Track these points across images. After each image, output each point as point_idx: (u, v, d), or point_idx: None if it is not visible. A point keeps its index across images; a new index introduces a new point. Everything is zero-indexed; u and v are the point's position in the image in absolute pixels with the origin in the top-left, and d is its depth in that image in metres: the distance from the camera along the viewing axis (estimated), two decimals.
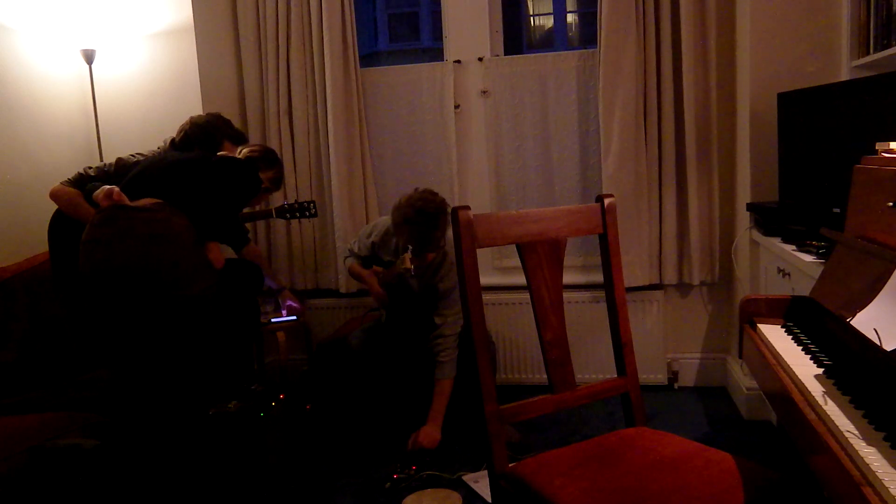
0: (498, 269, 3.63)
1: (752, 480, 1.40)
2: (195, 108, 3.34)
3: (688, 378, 3.50)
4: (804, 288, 1.97)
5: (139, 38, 3.46)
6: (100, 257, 2.33)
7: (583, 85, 3.46)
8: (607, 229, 1.77)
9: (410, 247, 2.77)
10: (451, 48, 3.59)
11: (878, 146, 1.65)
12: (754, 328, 1.69)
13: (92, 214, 2.44)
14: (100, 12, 3.40)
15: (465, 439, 2.96)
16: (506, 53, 3.62)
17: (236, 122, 3.13)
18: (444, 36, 3.63)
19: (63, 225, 2.71)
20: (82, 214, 2.55)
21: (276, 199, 3.59)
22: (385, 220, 3.03)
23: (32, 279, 2.87)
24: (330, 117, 3.47)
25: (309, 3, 3.46)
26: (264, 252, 3.76)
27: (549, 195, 3.56)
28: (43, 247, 2.89)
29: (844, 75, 2.69)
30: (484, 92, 3.55)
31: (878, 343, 1.18)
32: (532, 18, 20.46)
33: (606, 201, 1.77)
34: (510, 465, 1.58)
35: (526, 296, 1.72)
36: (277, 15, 3.52)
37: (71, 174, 2.72)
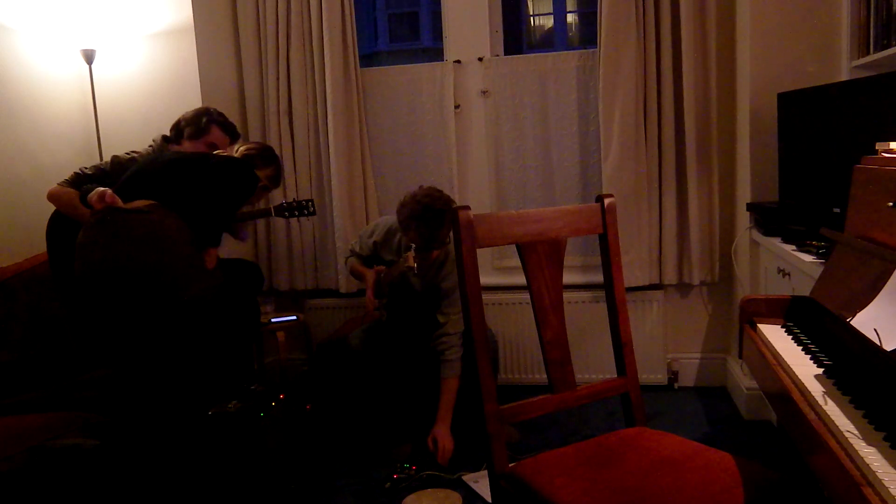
0: (498, 269, 3.63)
1: (752, 480, 1.40)
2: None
3: (688, 378, 3.50)
4: (804, 288, 1.97)
5: (139, 38, 3.46)
6: (93, 260, 2.33)
7: (583, 85, 3.46)
8: (607, 229, 1.77)
9: (414, 245, 2.77)
10: (451, 48, 3.59)
11: (878, 146, 1.65)
12: (754, 328, 1.69)
13: (87, 213, 2.44)
14: (100, 12, 3.40)
15: (465, 439, 2.95)
16: (506, 53, 3.62)
17: (236, 122, 3.13)
18: (444, 36, 3.63)
19: (61, 226, 2.71)
20: (80, 215, 2.55)
21: (275, 198, 3.59)
22: (387, 220, 3.03)
23: (32, 279, 2.87)
24: (330, 117, 3.47)
25: (309, 3, 3.47)
26: (264, 251, 3.76)
27: (549, 195, 3.55)
28: (43, 246, 2.89)
29: (844, 75, 2.69)
30: (484, 92, 3.55)
31: (878, 343, 1.18)
32: (532, 18, 20.47)
33: (606, 201, 1.77)
34: (510, 465, 1.58)
35: (526, 296, 1.72)
36: (277, 15, 3.52)
37: (70, 174, 2.73)
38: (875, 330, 1.21)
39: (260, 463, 2.68)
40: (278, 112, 3.59)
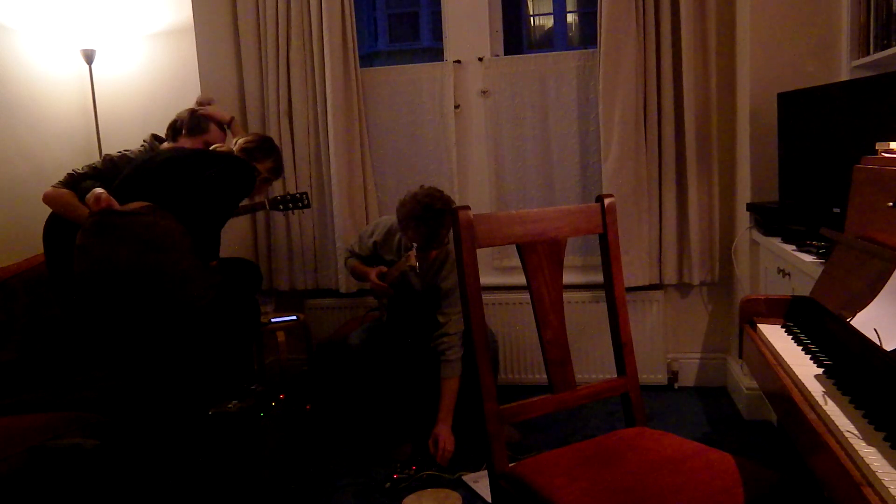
0: (498, 269, 3.63)
1: (752, 480, 1.40)
2: None
3: (688, 378, 3.50)
4: (804, 288, 1.97)
5: (139, 38, 3.46)
6: (91, 262, 2.34)
7: (583, 85, 3.46)
8: (607, 229, 1.77)
9: (415, 244, 2.77)
10: (451, 48, 3.59)
11: (878, 146, 1.65)
12: (754, 328, 1.68)
13: (85, 215, 2.43)
14: (100, 12, 3.40)
15: (466, 439, 2.95)
16: (506, 53, 3.62)
17: None
18: (444, 36, 3.63)
19: (58, 227, 2.70)
20: (76, 216, 2.55)
21: (271, 192, 3.58)
22: (386, 220, 3.03)
23: (32, 279, 2.87)
24: (330, 117, 3.47)
25: (309, 3, 3.47)
26: (264, 251, 3.76)
27: (549, 195, 3.55)
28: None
29: (844, 75, 2.69)
30: (484, 92, 3.55)
31: (878, 343, 1.18)
32: (532, 18, 20.48)
33: (606, 201, 1.77)
34: (510, 465, 1.58)
35: (526, 296, 1.72)
36: (277, 15, 3.52)
37: (65, 175, 2.72)
38: (875, 330, 1.21)
39: (260, 463, 2.68)
40: (278, 112, 3.59)
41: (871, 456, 0.98)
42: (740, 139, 3.15)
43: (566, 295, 1.82)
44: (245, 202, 3.13)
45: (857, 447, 1.01)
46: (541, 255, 1.69)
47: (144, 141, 2.94)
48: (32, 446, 2.21)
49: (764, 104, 2.85)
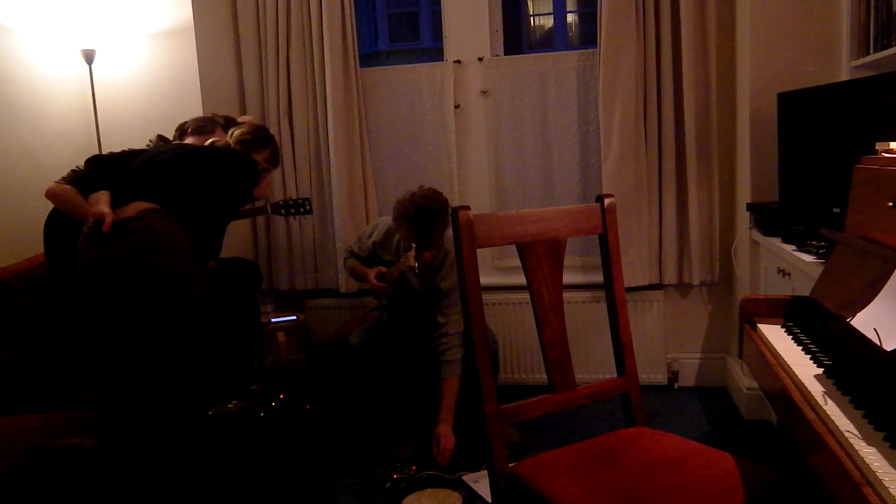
0: (498, 269, 3.63)
1: (752, 480, 1.40)
2: (195, 108, 3.34)
3: (688, 378, 3.50)
4: (804, 288, 1.97)
5: (139, 38, 3.46)
6: (89, 266, 2.36)
7: (583, 85, 3.46)
8: (607, 229, 1.77)
9: (414, 245, 2.77)
10: (451, 48, 3.59)
11: (878, 146, 1.65)
12: (754, 328, 1.69)
13: (87, 212, 2.43)
14: (100, 12, 3.40)
15: (466, 439, 2.95)
16: (506, 53, 3.62)
17: None
18: (444, 36, 3.63)
19: (59, 224, 2.70)
20: (79, 213, 2.55)
21: (276, 198, 3.59)
22: (386, 220, 3.03)
23: (32, 279, 2.87)
24: (330, 117, 3.47)
25: (309, 3, 3.46)
26: (264, 251, 3.76)
27: (549, 195, 3.55)
28: (43, 246, 2.89)
29: (844, 75, 2.69)
30: (484, 92, 3.55)
31: (878, 343, 1.18)
32: (532, 18, 20.47)
33: (606, 201, 1.77)
34: (510, 465, 1.58)
35: (526, 296, 1.72)
36: (277, 15, 3.52)
37: (68, 172, 2.73)
38: (875, 330, 1.21)
39: (260, 463, 2.68)
40: (278, 112, 3.59)
41: (871, 456, 0.98)
42: (740, 139, 3.15)
43: (566, 295, 1.82)
44: (248, 206, 3.13)
45: (857, 447, 1.01)
46: (541, 255, 1.69)
47: (150, 141, 2.94)
48: (32, 446, 2.22)
49: (764, 104, 2.85)
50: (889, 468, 0.94)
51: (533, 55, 3.61)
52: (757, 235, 2.84)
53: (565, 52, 3.50)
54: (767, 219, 2.71)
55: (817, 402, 1.19)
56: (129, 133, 3.41)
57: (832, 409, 1.15)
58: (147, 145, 2.92)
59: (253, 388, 2.81)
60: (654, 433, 1.67)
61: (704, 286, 3.42)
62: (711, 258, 3.32)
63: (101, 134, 3.39)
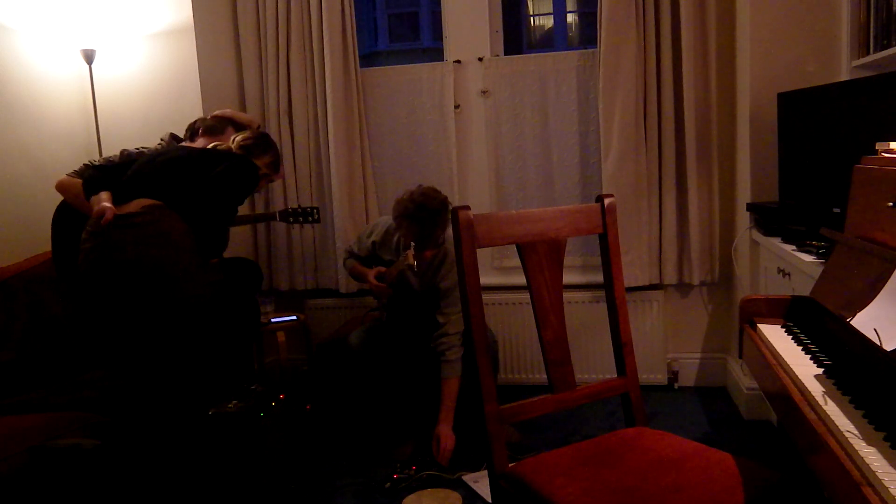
0: (498, 269, 3.63)
1: (752, 480, 1.40)
2: (195, 108, 3.34)
3: (688, 378, 3.50)
4: (804, 288, 1.97)
5: (139, 38, 3.46)
6: (90, 264, 2.36)
7: (583, 85, 3.46)
8: (607, 229, 1.77)
9: (413, 244, 2.77)
10: (451, 48, 3.59)
11: (878, 146, 1.65)
12: (754, 328, 1.68)
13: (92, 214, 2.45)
14: (100, 12, 3.40)
15: (466, 439, 2.95)
16: (506, 53, 3.62)
17: None
18: (444, 36, 3.63)
19: (68, 216, 2.73)
20: (87, 207, 2.56)
21: (279, 204, 3.60)
22: (386, 220, 3.04)
23: (32, 279, 2.87)
24: (330, 117, 3.47)
25: (309, 3, 3.46)
26: (264, 251, 3.77)
27: (549, 195, 3.55)
28: (43, 246, 2.90)
29: (844, 75, 2.69)
30: (484, 92, 3.55)
31: (878, 343, 1.18)
32: (532, 18, 20.47)
33: (606, 201, 1.77)
34: (510, 465, 1.58)
35: (526, 296, 1.72)
36: (277, 15, 3.52)
37: (80, 165, 2.74)
38: (875, 330, 1.21)
39: (260, 463, 2.68)
40: (278, 112, 3.59)
41: (871, 456, 0.98)
42: (740, 139, 3.15)
43: (566, 295, 1.82)
44: (258, 212, 3.14)
45: (857, 447, 1.01)
46: (541, 255, 1.69)
47: (162, 139, 2.95)
48: (32, 446, 2.21)
49: (764, 104, 2.85)
50: (889, 468, 0.94)
51: (533, 55, 3.61)
52: (757, 235, 2.84)
53: (565, 52, 3.50)
54: (767, 219, 2.71)
55: (817, 402, 1.19)
56: (129, 133, 3.41)
57: (832, 409, 1.15)
58: (159, 143, 2.93)
59: (253, 388, 2.81)
60: (654, 433, 1.67)
61: (704, 286, 3.42)
62: (711, 258, 3.32)
63: (101, 134, 3.39)
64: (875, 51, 2.44)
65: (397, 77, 3.64)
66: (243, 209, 3.50)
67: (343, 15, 3.45)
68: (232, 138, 2.80)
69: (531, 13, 20.33)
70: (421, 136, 3.64)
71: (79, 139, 3.49)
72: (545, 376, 1.71)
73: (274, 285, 3.74)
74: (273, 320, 3.39)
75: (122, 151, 2.80)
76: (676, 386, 3.48)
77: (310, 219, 3.28)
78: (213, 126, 2.90)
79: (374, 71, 3.70)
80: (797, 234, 2.40)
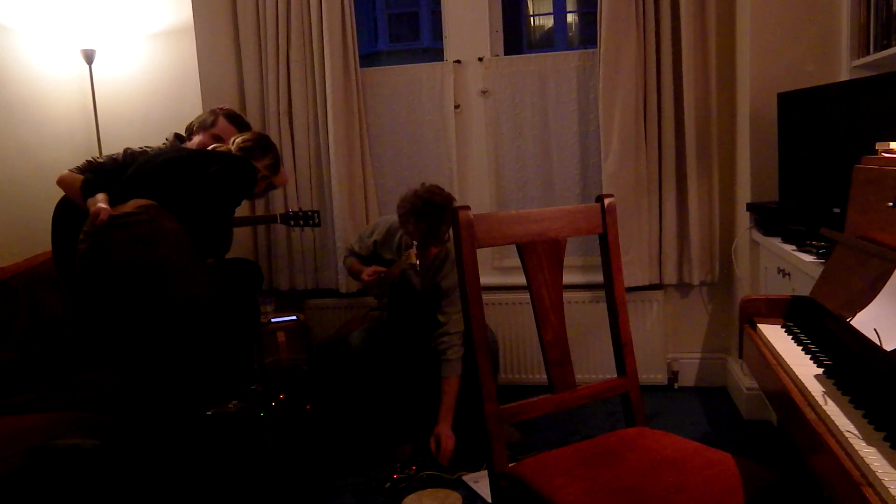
0: (498, 269, 3.63)
1: (752, 480, 1.40)
2: (195, 108, 3.34)
3: (688, 378, 3.50)
4: (804, 288, 1.97)
5: (139, 38, 3.46)
6: (88, 263, 2.37)
7: (583, 85, 3.46)
8: (607, 229, 1.77)
9: (415, 242, 2.77)
10: (451, 48, 3.59)
11: (878, 146, 1.65)
12: (754, 328, 1.69)
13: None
14: (100, 12, 3.40)
15: (466, 439, 2.95)
16: (506, 53, 3.62)
17: None
18: (444, 36, 3.63)
19: (68, 212, 2.72)
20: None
21: (280, 206, 3.59)
22: (387, 219, 3.04)
23: (32, 279, 2.87)
24: (330, 117, 3.47)
25: (309, 3, 3.46)
26: (264, 251, 3.76)
27: (549, 195, 3.55)
28: (43, 246, 2.89)
29: (844, 75, 2.69)
30: (484, 92, 3.55)
31: (878, 343, 1.18)
32: (532, 18, 20.45)
33: (606, 201, 1.77)
34: (510, 465, 1.58)
35: (526, 296, 1.72)
36: (277, 15, 3.52)
37: (83, 162, 2.74)
38: (875, 330, 1.21)
39: (260, 463, 2.68)
40: (278, 112, 3.59)
41: (871, 456, 0.98)
42: (740, 139, 3.15)
43: (566, 295, 1.82)
44: (258, 214, 3.14)
45: (857, 447, 1.01)
46: (541, 255, 1.69)
47: (166, 139, 2.95)
48: (32, 446, 2.21)
49: (764, 104, 2.85)
50: (889, 468, 0.94)
51: (533, 55, 3.61)
52: (757, 235, 2.84)
53: (565, 52, 3.50)
54: (767, 219, 2.71)
55: (817, 402, 1.19)
56: (129, 133, 3.41)
57: (832, 409, 1.15)
58: (164, 143, 2.93)
59: (253, 388, 2.81)
60: (654, 433, 1.67)
61: (704, 286, 3.42)
62: (711, 258, 3.32)
63: (101, 134, 3.39)
64: (875, 51, 2.44)
65: (397, 77, 3.64)
66: (244, 211, 3.50)
67: (343, 15, 3.45)
68: (232, 140, 2.80)
69: (531, 13, 20.31)
70: (421, 137, 3.64)
71: (79, 139, 3.49)
72: (545, 376, 1.71)
73: (274, 285, 3.74)
74: (273, 320, 3.39)
75: (126, 150, 2.80)
76: (676, 386, 3.48)
77: (311, 222, 3.29)
78: (204, 120, 2.91)
79: (374, 71, 3.70)
80: (797, 234, 2.40)
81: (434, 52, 15.20)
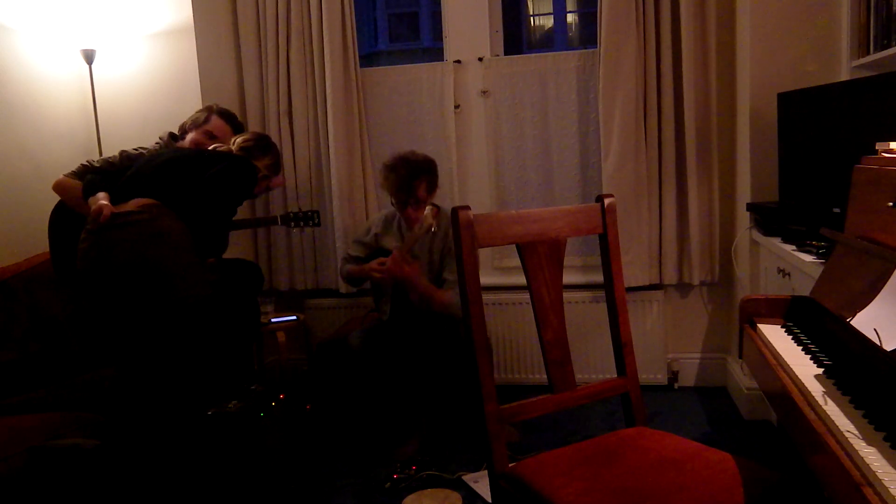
0: (498, 269, 3.63)
1: (752, 480, 1.40)
2: (195, 108, 3.32)
3: (688, 378, 3.50)
4: (804, 288, 1.97)
5: (139, 38, 3.46)
6: (89, 263, 2.38)
7: (583, 85, 3.46)
8: (607, 229, 1.77)
9: (430, 207, 2.83)
10: (451, 48, 3.59)
11: (878, 146, 1.65)
12: (754, 328, 1.68)
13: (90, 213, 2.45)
14: (100, 12, 3.40)
15: (465, 439, 2.96)
16: (506, 53, 3.62)
17: None
18: (444, 36, 3.63)
19: (64, 217, 2.72)
20: (85, 208, 2.57)
21: (279, 206, 3.59)
22: (380, 214, 3.07)
23: (32, 279, 2.87)
24: (330, 117, 3.47)
25: (309, 3, 3.46)
26: (264, 252, 3.77)
27: (549, 195, 3.55)
28: (43, 246, 2.89)
29: (844, 75, 2.69)
30: (484, 92, 3.55)
31: (878, 343, 1.18)
32: (532, 18, 20.45)
33: (606, 201, 1.77)
34: (510, 465, 1.58)
35: (526, 296, 1.72)
36: (277, 15, 3.52)
37: (78, 166, 2.74)
38: (875, 330, 1.21)
39: (260, 463, 2.68)
40: (278, 112, 3.59)
41: (871, 456, 0.98)
42: (740, 139, 3.15)
43: (566, 295, 1.82)
44: (258, 215, 3.13)
45: (857, 447, 1.01)
46: (541, 255, 1.69)
47: (160, 138, 2.95)
48: (32, 446, 2.22)
49: (764, 104, 2.85)
50: (889, 468, 0.94)
51: (533, 55, 3.61)
52: (757, 235, 2.84)
53: (565, 52, 3.50)
54: (767, 219, 2.71)
55: (817, 402, 1.19)
56: (129, 133, 3.41)
57: (832, 409, 1.15)
58: (157, 143, 2.93)
59: (253, 388, 2.81)
60: (654, 433, 1.67)
61: (704, 286, 3.42)
62: (711, 258, 3.32)
63: (101, 134, 3.39)
64: (875, 51, 2.44)
65: (397, 77, 3.64)
66: (244, 213, 3.51)
67: (343, 15, 3.45)
68: (232, 140, 2.81)
69: (531, 13, 20.31)
70: (421, 137, 3.64)
71: (79, 139, 3.49)
72: (545, 376, 1.71)
73: (274, 285, 3.74)
74: (273, 320, 3.39)
75: (122, 152, 2.79)
76: (676, 386, 3.48)
77: (311, 223, 3.29)
78: (196, 118, 2.91)
79: (374, 71, 3.70)
80: (797, 234, 2.40)
81: (434, 52, 15.20)
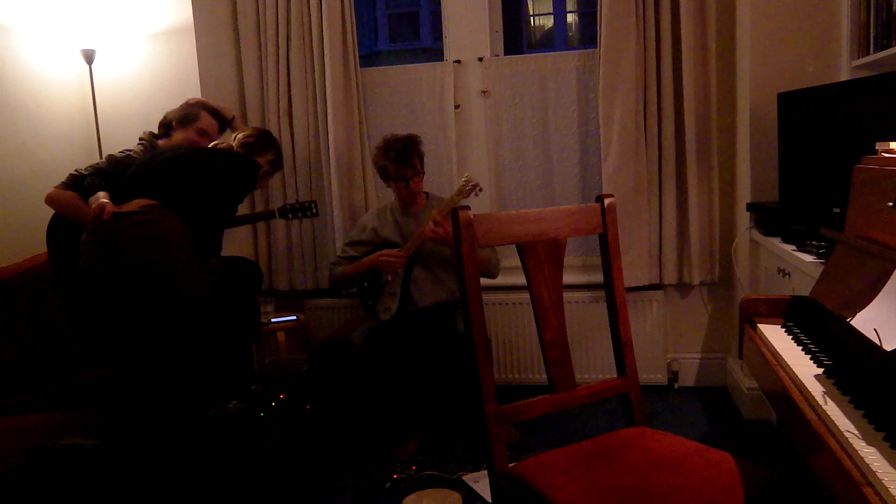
0: None
1: (752, 480, 1.40)
2: None
3: (688, 378, 3.50)
4: (804, 288, 1.97)
5: (139, 38, 3.46)
6: (90, 263, 2.37)
7: (583, 85, 3.46)
8: (607, 229, 1.77)
9: (469, 180, 2.85)
10: (451, 48, 3.59)
11: (878, 146, 1.65)
12: (754, 328, 1.68)
13: (89, 216, 2.45)
14: (100, 12, 3.40)
15: (465, 439, 2.96)
16: (506, 53, 3.62)
17: None
18: (444, 36, 3.63)
19: (61, 228, 2.71)
20: (80, 216, 2.56)
21: (279, 202, 3.59)
22: (370, 212, 3.08)
23: (32, 279, 2.87)
24: (330, 117, 3.47)
25: (309, 3, 3.46)
26: (264, 251, 3.77)
27: (549, 195, 3.55)
28: (43, 246, 2.89)
29: (844, 75, 2.69)
30: (484, 92, 3.55)
31: (878, 343, 1.18)
32: (532, 18, 20.44)
33: (606, 201, 1.77)
34: (510, 465, 1.58)
35: (526, 296, 1.72)
36: (277, 15, 3.52)
37: (67, 176, 2.73)
38: (875, 330, 1.21)
39: (260, 463, 2.68)
40: (278, 112, 3.59)
41: (871, 456, 0.98)
42: (740, 139, 3.15)
43: (566, 295, 1.82)
44: (258, 210, 3.13)
45: (857, 447, 1.01)
46: (541, 255, 1.69)
47: (142, 139, 2.94)
48: (32, 446, 2.22)
49: (764, 104, 2.85)
50: (889, 468, 0.94)
51: (533, 55, 3.61)
52: (757, 235, 2.84)
53: (565, 52, 3.50)
54: (767, 219, 2.71)
55: (817, 402, 1.19)
56: (129, 133, 3.39)
57: (832, 409, 1.15)
58: (140, 143, 2.91)
59: (253, 388, 2.81)
60: (654, 433, 1.67)
61: (704, 286, 3.42)
62: (711, 258, 3.31)
63: (101, 134, 3.39)
64: (875, 51, 2.44)
65: (397, 77, 3.64)
66: (242, 208, 3.50)
67: (343, 15, 3.45)
68: (233, 136, 2.81)
69: (531, 13, 20.30)
70: (421, 136, 3.62)
71: (79, 139, 3.49)
72: (545, 376, 1.71)
73: (274, 285, 3.74)
74: (273, 320, 3.39)
75: (109, 157, 2.76)
76: (676, 386, 3.48)
77: (308, 213, 3.28)
78: (185, 115, 2.89)
79: (374, 71, 3.70)
80: (797, 234, 2.40)
81: (434, 52, 15.18)
